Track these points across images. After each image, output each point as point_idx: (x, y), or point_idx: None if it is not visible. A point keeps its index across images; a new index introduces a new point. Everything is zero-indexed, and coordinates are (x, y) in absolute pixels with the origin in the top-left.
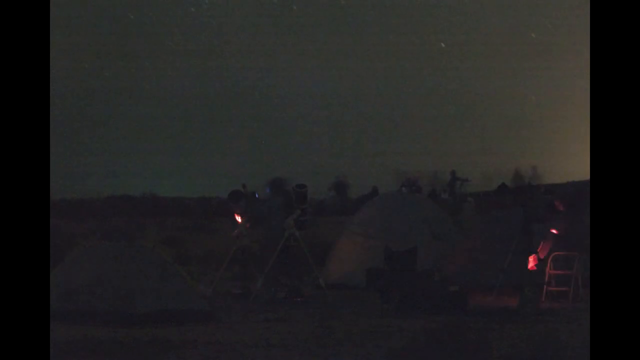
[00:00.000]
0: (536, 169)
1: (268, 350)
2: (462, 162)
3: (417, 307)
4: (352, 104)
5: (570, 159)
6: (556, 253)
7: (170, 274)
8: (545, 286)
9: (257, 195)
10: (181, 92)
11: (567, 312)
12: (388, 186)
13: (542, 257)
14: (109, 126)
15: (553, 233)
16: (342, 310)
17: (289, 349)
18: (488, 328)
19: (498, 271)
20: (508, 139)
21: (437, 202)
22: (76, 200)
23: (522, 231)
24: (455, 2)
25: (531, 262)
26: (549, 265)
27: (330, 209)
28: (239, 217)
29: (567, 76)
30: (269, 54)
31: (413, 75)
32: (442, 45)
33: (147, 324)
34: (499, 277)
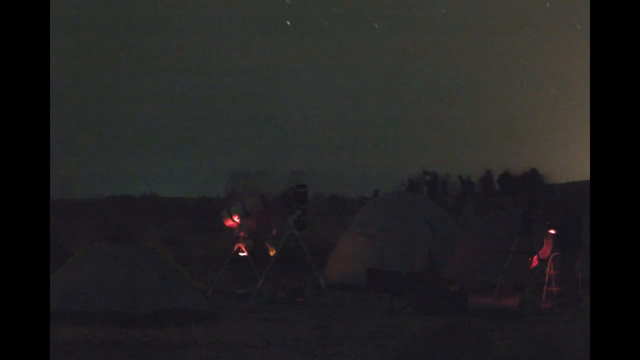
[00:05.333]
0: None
1: (268, 350)
2: (462, 162)
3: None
4: (352, 104)
5: (570, 159)
6: (556, 254)
7: (171, 274)
8: (545, 286)
9: None
10: (181, 93)
11: (567, 312)
12: (388, 187)
13: (542, 258)
14: (109, 126)
15: (552, 233)
16: (342, 310)
17: (289, 349)
18: (488, 328)
19: (498, 271)
20: (507, 139)
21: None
22: (76, 200)
23: (522, 231)
24: (455, 3)
25: (534, 262)
26: (549, 265)
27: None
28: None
29: (567, 76)
30: (269, 54)
31: (413, 76)
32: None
33: (147, 324)
34: (499, 277)
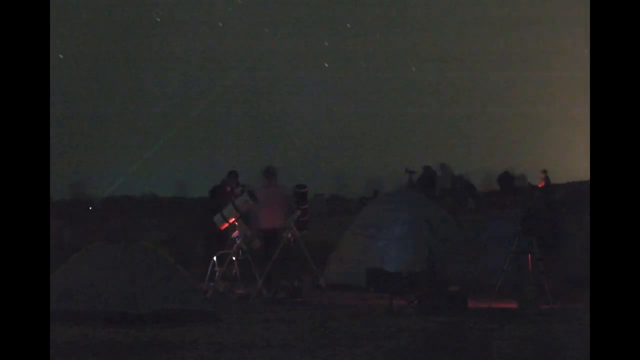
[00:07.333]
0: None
1: (268, 350)
2: (462, 162)
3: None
4: (352, 103)
5: (570, 159)
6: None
7: (171, 274)
8: (546, 286)
9: None
10: (181, 92)
11: (567, 312)
12: (388, 187)
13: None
14: (109, 126)
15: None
16: (342, 310)
17: (289, 349)
18: (488, 328)
19: (498, 271)
20: (508, 139)
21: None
22: (76, 201)
23: (522, 231)
24: (455, 3)
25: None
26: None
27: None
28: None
29: (567, 75)
30: (269, 54)
31: (413, 75)
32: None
33: (147, 324)
34: (499, 278)
